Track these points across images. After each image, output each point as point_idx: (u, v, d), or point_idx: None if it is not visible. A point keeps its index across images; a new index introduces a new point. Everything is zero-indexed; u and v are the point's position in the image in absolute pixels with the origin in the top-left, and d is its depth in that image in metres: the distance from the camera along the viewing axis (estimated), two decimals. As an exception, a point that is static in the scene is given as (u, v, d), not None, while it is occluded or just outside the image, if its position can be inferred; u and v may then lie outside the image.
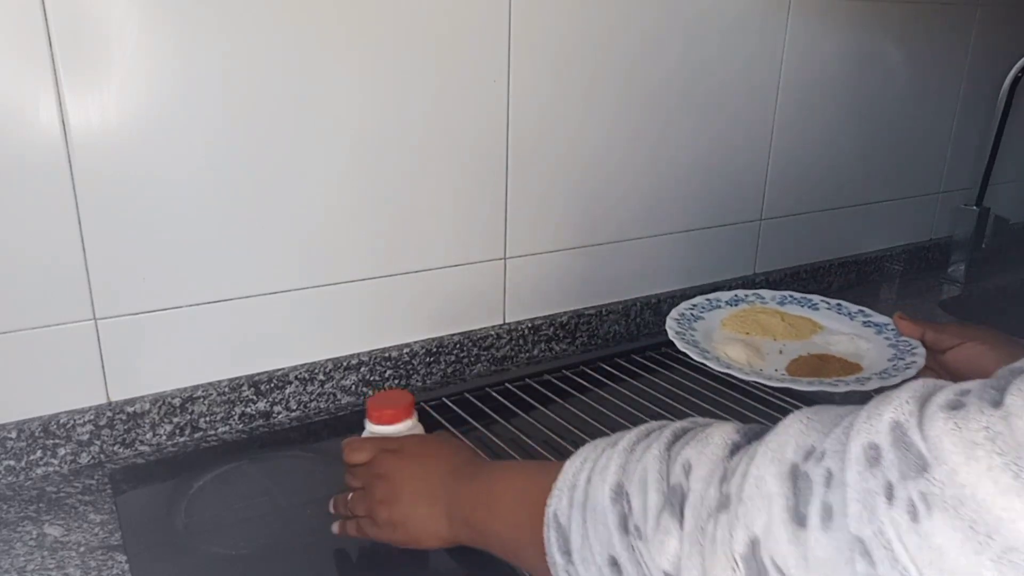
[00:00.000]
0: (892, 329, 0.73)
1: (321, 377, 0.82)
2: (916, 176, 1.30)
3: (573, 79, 0.89)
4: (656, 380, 0.86)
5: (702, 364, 0.66)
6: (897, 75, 1.19)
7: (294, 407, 0.82)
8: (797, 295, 0.82)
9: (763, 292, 0.83)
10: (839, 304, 0.80)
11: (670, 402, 0.81)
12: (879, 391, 0.61)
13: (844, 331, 0.76)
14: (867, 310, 0.78)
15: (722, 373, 0.66)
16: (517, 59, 0.84)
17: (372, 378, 0.85)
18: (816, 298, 0.81)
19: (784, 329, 0.76)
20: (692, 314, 0.78)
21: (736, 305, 0.81)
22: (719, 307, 0.81)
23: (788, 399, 0.82)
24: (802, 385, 0.60)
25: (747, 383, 0.72)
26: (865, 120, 1.18)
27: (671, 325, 0.75)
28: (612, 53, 0.91)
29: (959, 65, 1.27)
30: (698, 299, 0.81)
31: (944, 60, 1.24)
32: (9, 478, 0.70)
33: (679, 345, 0.69)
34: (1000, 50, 1.29)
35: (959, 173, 1.36)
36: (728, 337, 0.76)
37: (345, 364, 0.83)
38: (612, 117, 0.93)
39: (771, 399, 0.82)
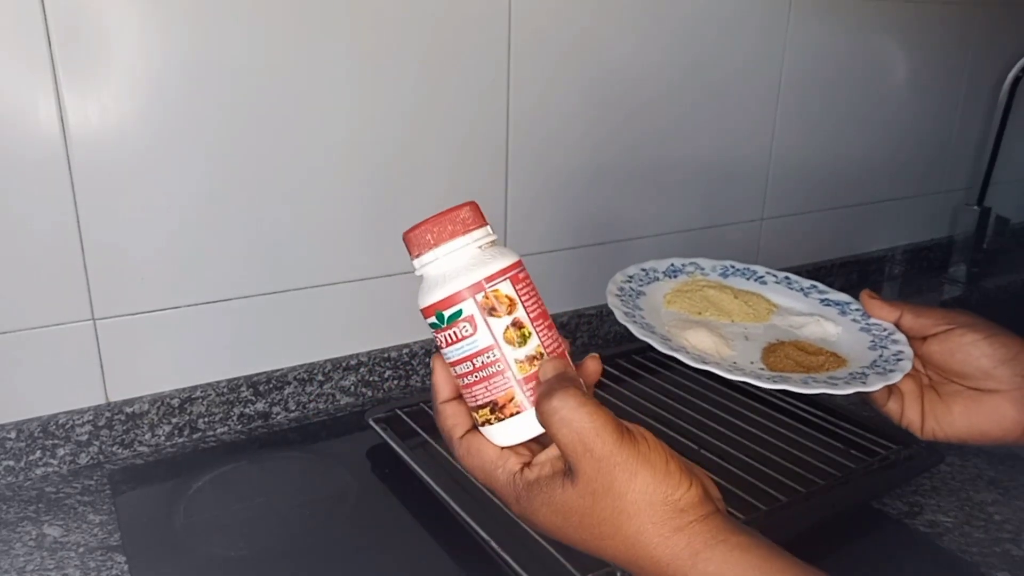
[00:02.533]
0: (857, 309, 0.63)
1: (320, 378, 0.82)
2: (917, 176, 1.30)
3: (573, 79, 0.89)
4: (657, 381, 0.85)
5: (671, 357, 0.53)
6: (898, 75, 1.19)
7: (293, 408, 0.82)
8: (739, 265, 0.71)
9: (701, 261, 0.71)
10: (787, 277, 0.70)
11: (671, 403, 0.81)
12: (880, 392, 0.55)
13: (802, 310, 0.66)
14: (820, 285, 0.68)
15: (701, 370, 0.54)
16: (517, 59, 0.84)
17: (371, 379, 0.85)
18: (760, 268, 0.71)
19: (739, 308, 0.65)
20: (632, 288, 0.65)
21: (675, 277, 0.69)
22: (657, 279, 0.68)
23: (789, 400, 0.81)
24: (798, 386, 0.52)
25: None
26: (866, 120, 1.18)
27: (616, 304, 0.59)
28: (612, 52, 0.90)
29: (959, 65, 1.27)
30: (632, 269, 0.67)
31: (944, 60, 1.24)
32: (8, 478, 0.69)
33: (636, 332, 0.55)
34: (1000, 50, 1.29)
35: (959, 173, 1.36)
36: (681, 319, 0.62)
37: (344, 364, 0.83)
38: (612, 116, 0.93)
39: (774, 400, 0.82)
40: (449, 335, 0.42)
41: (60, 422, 0.70)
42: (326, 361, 0.82)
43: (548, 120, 0.88)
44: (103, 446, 0.73)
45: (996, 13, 1.27)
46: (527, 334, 0.42)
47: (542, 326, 0.43)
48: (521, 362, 0.42)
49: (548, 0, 0.84)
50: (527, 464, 0.42)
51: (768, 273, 0.70)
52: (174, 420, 0.76)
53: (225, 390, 0.77)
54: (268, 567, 0.60)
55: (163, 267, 0.72)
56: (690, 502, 0.39)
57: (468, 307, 0.41)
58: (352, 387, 0.85)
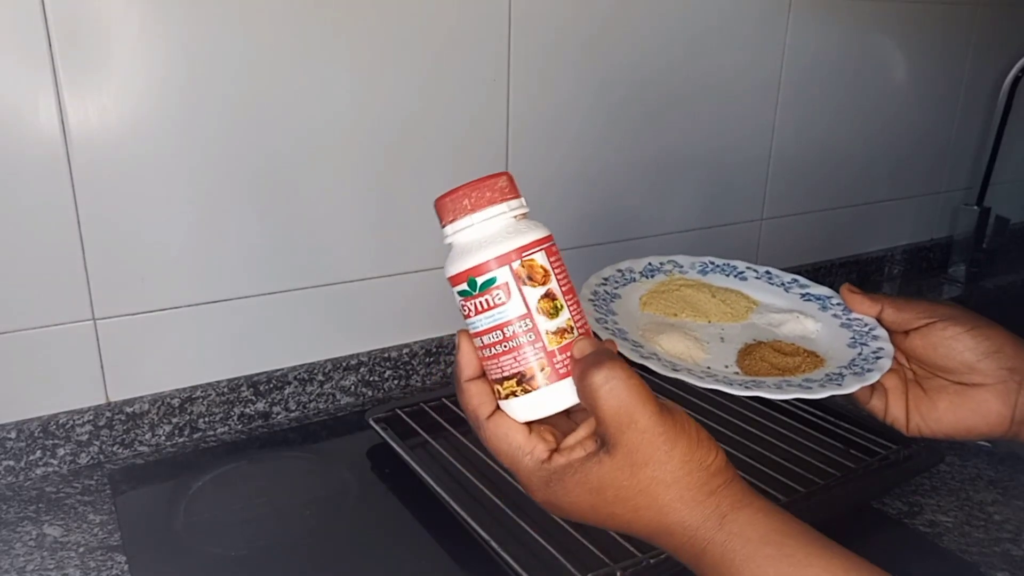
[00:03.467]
0: (838, 303, 0.61)
1: (320, 378, 0.82)
2: (916, 176, 1.30)
3: (573, 78, 0.89)
4: (657, 380, 0.85)
5: (639, 366, 0.50)
6: (897, 75, 1.19)
7: (293, 408, 0.82)
8: (719, 261, 0.69)
9: (680, 258, 0.69)
10: (768, 272, 0.68)
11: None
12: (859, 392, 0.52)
13: (782, 306, 0.64)
14: (801, 279, 0.67)
15: (671, 379, 0.51)
16: (517, 58, 0.84)
17: (371, 378, 0.85)
18: (741, 264, 0.69)
19: (717, 307, 0.64)
20: (606, 292, 0.62)
21: (652, 276, 0.66)
22: (633, 280, 0.66)
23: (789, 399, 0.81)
24: (772, 391, 0.51)
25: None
26: (865, 120, 1.18)
27: (588, 309, 0.57)
28: (612, 52, 0.90)
29: (959, 65, 1.27)
30: (607, 271, 0.65)
31: (944, 60, 1.24)
32: (8, 478, 0.69)
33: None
34: (1000, 50, 1.29)
35: (959, 173, 1.36)
36: (655, 322, 0.60)
37: (344, 364, 0.83)
38: (612, 116, 0.93)
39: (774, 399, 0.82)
40: (480, 302, 0.41)
41: (60, 422, 0.70)
42: (326, 361, 0.82)
43: (547, 121, 0.88)
44: (103, 446, 0.73)
45: (996, 13, 1.27)
46: (559, 307, 0.42)
47: (571, 301, 0.43)
48: (552, 334, 0.41)
49: (548, 3, 0.84)
50: (555, 451, 0.42)
51: (748, 268, 0.69)
52: (174, 420, 0.76)
53: (225, 390, 0.77)
54: (268, 567, 0.60)
55: (163, 267, 0.72)
56: (719, 466, 0.40)
57: (503, 275, 0.41)
58: (352, 387, 0.85)
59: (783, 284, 0.67)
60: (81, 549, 0.61)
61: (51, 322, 0.69)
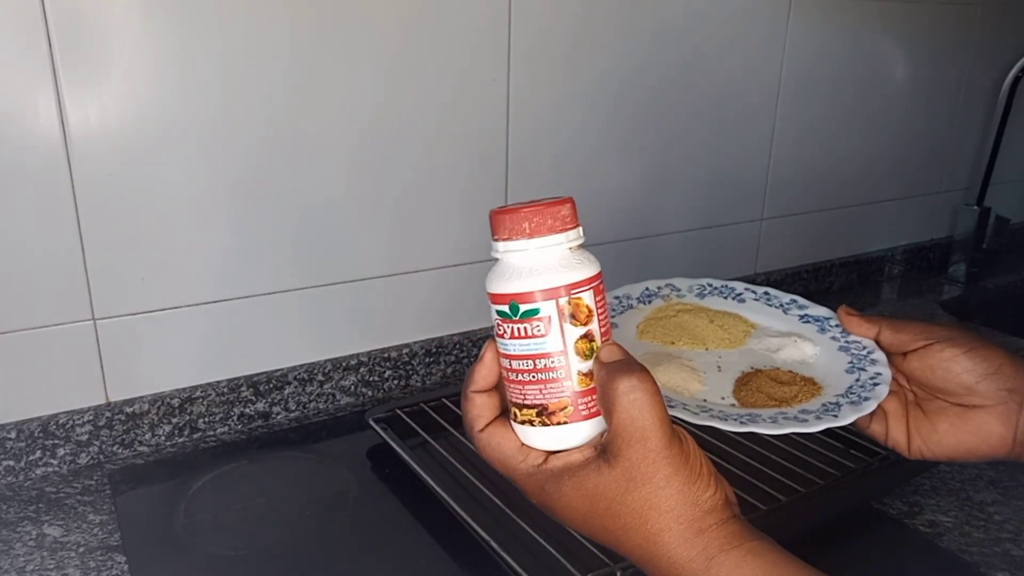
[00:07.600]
0: (836, 325, 0.60)
1: (320, 378, 0.82)
2: (917, 176, 1.30)
3: (573, 79, 0.89)
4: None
5: None
6: (898, 75, 1.19)
7: (293, 408, 0.82)
8: (717, 283, 0.68)
9: (677, 281, 0.68)
10: (767, 293, 0.67)
11: (670, 402, 0.81)
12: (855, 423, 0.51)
13: (780, 329, 0.63)
14: (800, 300, 0.65)
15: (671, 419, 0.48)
16: (517, 59, 0.84)
17: (371, 378, 0.85)
18: (739, 285, 0.67)
19: (714, 333, 0.63)
20: None
21: (649, 302, 0.66)
22: (631, 307, 0.65)
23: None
24: (767, 426, 0.50)
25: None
26: (866, 120, 1.18)
27: None
28: (612, 52, 0.91)
29: (959, 65, 1.27)
30: None
31: (944, 60, 1.24)
32: (8, 478, 0.69)
33: None
34: (1000, 50, 1.29)
35: (959, 173, 1.36)
36: (652, 352, 0.60)
37: (344, 364, 0.83)
38: (612, 117, 0.93)
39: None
40: (517, 328, 0.40)
41: (60, 422, 0.70)
42: (326, 361, 0.82)
43: (549, 121, 0.88)
44: (103, 446, 0.73)
45: (996, 13, 1.27)
46: (595, 348, 0.41)
47: (607, 342, 0.42)
48: (583, 375, 0.41)
49: (548, 4, 0.84)
50: (551, 454, 0.42)
51: (747, 290, 0.68)
52: (174, 420, 0.76)
53: (225, 390, 0.77)
54: (268, 567, 0.60)
55: (163, 266, 0.72)
56: (714, 505, 0.40)
57: (547, 308, 0.40)
58: (352, 387, 0.85)
59: (781, 305, 0.66)
60: (81, 549, 0.61)
61: (51, 322, 0.69)
